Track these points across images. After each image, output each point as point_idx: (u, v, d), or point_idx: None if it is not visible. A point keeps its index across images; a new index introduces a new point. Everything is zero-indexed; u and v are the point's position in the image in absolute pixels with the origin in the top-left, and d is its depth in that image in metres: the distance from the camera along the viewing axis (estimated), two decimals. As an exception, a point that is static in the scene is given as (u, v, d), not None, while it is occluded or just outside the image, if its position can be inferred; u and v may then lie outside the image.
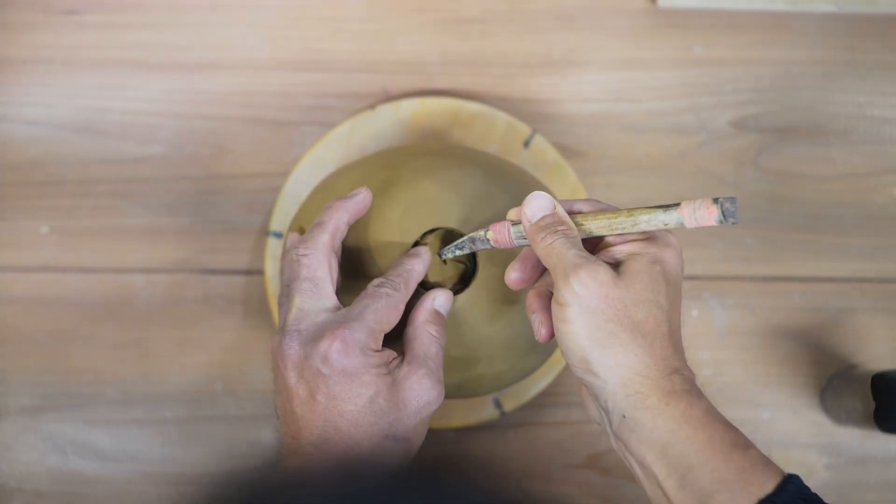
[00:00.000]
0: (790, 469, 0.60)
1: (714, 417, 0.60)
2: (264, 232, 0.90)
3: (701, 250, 0.92)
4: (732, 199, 0.60)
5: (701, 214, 0.60)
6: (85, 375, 0.90)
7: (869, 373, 0.85)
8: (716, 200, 0.60)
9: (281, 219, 0.89)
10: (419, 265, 0.68)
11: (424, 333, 0.66)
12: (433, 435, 0.89)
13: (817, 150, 0.93)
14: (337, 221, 0.67)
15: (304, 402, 0.64)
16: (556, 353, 0.86)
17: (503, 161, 0.78)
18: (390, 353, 0.65)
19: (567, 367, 0.89)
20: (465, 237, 0.68)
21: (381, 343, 0.65)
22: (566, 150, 0.92)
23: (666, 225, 0.62)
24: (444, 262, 0.71)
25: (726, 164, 0.92)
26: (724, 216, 0.60)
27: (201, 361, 0.90)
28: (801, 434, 0.91)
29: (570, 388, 0.91)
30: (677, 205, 0.61)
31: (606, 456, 0.90)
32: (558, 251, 0.61)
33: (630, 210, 0.63)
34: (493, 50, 0.93)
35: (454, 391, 0.74)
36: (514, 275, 0.67)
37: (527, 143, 0.90)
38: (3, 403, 0.90)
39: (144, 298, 0.91)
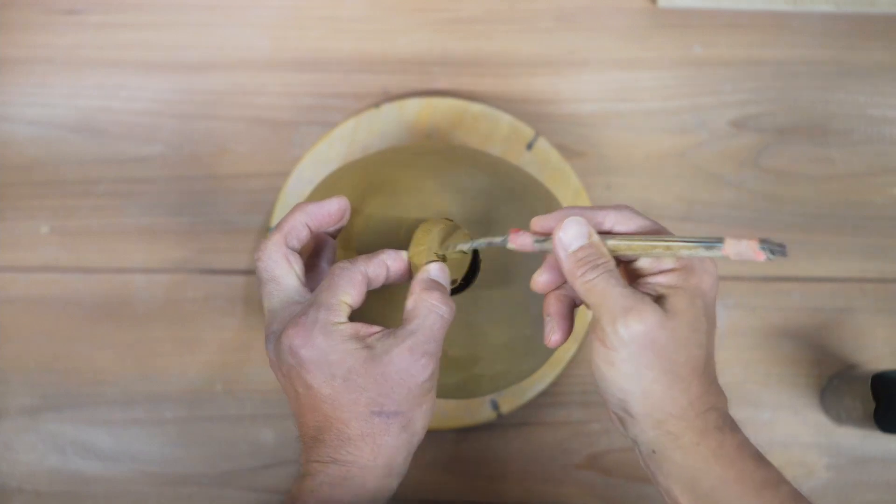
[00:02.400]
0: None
1: (746, 453, 0.60)
2: (264, 232, 0.90)
3: (701, 250, 0.92)
4: (782, 247, 0.57)
5: (747, 255, 0.57)
6: (85, 375, 0.90)
7: (869, 373, 0.84)
8: (763, 244, 0.57)
9: (282, 218, 0.89)
10: (390, 249, 0.66)
11: (423, 303, 0.64)
12: (432, 435, 0.89)
13: (817, 150, 0.93)
14: (293, 222, 0.67)
15: (293, 399, 0.64)
16: (556, 354, 0.86)
17: (506, 163, 0.78)
18: (362, 326, 0.63)
19: (567, 368, 0.89)
20: (483, 240, 0.65)
21: (345, 316, 0.63)
22: (566, 150, 0.92)
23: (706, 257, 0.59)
24: (444, 257, 0.69)
25: (726, 164, 0.92)
26: (772, 254, 0.57)
27: (201, 361, 0.90)
28: (801, 434, 0.90)
29: (569, 389, 0.91)
30: (720, 242, 0.58)
31: (606, 456, 0.90)
32: (602, 289, 0.59)
33: (668, 244, 0.59)
34: (494, 50, 0.93)
35: (452, 391, 0.74)
36: (543, 278, 0.64)
37: (530, 146, 0.90)
38: (3, 403, 0.90)
39: (144, 298, 0.91)
